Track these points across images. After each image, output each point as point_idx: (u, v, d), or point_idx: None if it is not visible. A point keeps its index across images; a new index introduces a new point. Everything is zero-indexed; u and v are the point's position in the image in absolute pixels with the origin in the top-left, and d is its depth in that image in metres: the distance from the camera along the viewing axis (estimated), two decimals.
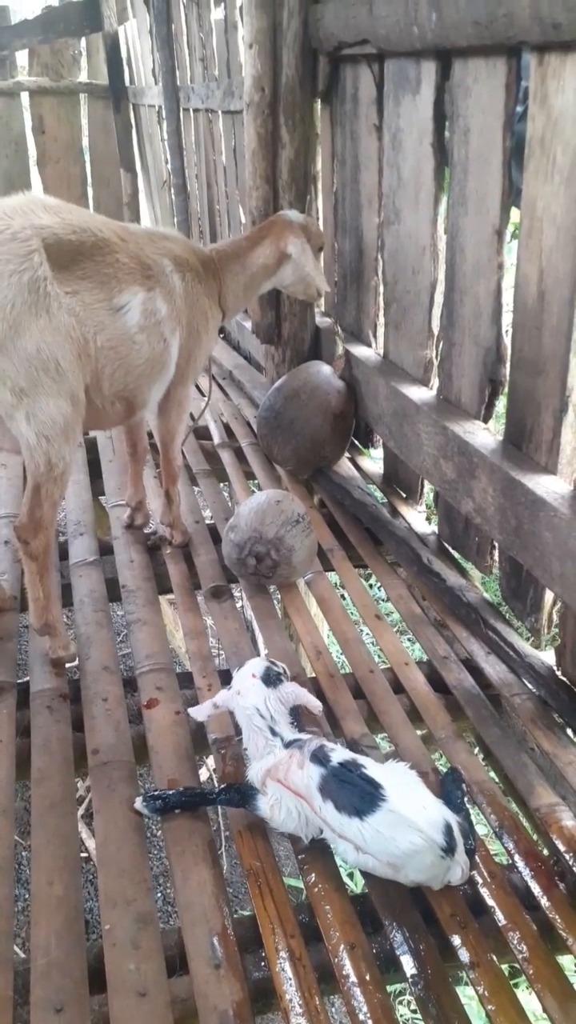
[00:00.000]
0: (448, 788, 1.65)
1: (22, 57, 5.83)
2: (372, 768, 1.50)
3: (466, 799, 1.65)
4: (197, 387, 3.86)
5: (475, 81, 1.99)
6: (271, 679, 1.65)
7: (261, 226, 2.45)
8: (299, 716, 1.71)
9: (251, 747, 1.62)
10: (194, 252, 2.21)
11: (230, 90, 3.70)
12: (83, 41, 5.89)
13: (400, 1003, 3.06)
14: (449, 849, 1.42)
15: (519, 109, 1.97)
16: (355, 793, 1.44)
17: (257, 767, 1.58)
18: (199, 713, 1.71)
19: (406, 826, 1.40)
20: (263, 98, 2.81)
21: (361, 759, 1.53)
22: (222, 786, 1.63)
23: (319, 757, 1.51)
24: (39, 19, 5.48)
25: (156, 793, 1.64)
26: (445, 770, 1.74)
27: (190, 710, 1.75)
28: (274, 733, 1.58)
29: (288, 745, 1.57)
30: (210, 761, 3.50)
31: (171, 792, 1.64)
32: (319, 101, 2.91)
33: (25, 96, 5.76)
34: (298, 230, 2.38)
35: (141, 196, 6.28)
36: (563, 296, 1.82)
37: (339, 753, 1.53)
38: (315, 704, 1.70)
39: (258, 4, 2.71)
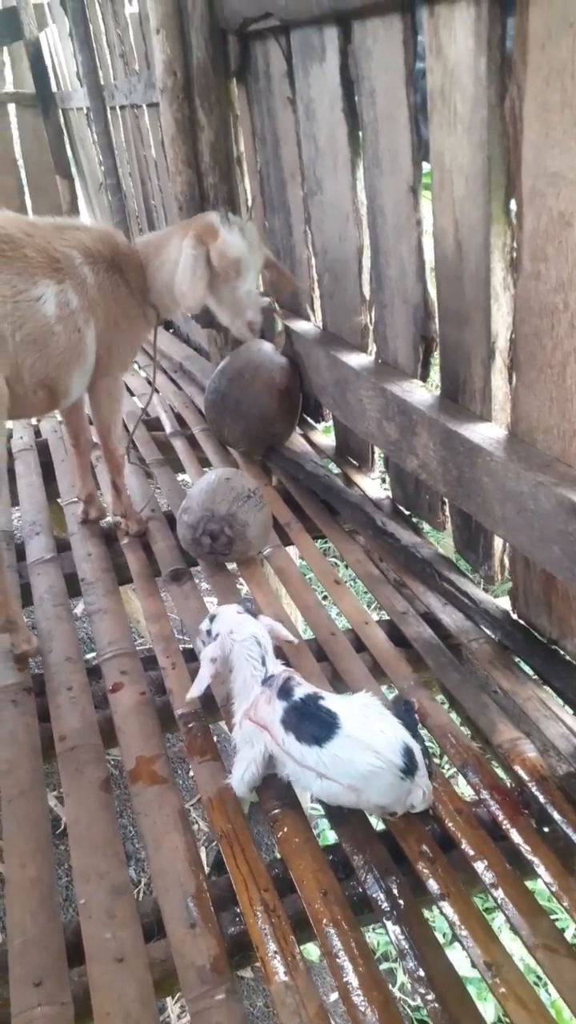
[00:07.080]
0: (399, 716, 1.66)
1: None
2: (331, 699, 1.53)
3: (418, 727, 1.66)
4: (148, 381, 3.86)
5: (375, 41, 2.02)
6: (253, 613, 1.71)
7: (190, 219, 2.27)
8: None
9: (239, 681, 1.62)
10: (110, 243, 2.12)
11: (151, 82, 3.69)
12: (5, 51, 5.86)
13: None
14: (408, 770, 1.44)
15: (421, 65, 2.00)
16: (314, 723, 1.48)
17: (239, 712, 1.61)
18: (199, 687, 1.62)
19: (363, 748, 1.43)
20: (176, 82, 2.82)
21: (322, 692, 1.56)
22: None
23: (285, 690, 1.55)
24: None
25: None
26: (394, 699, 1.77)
27: (189, 694, 1.66)
28: (263, 663, 1.61)
29: (264, 682, 1.60)
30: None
31: None
32: (234, 81, 2.92)
33: None
34: (201, 235, 2.10)
35: (80, 201, 6.24)
36: (478, 243, 1.85)
37: (303, 688, 1.56)
38: (291, 637, 1.77)
39: None
